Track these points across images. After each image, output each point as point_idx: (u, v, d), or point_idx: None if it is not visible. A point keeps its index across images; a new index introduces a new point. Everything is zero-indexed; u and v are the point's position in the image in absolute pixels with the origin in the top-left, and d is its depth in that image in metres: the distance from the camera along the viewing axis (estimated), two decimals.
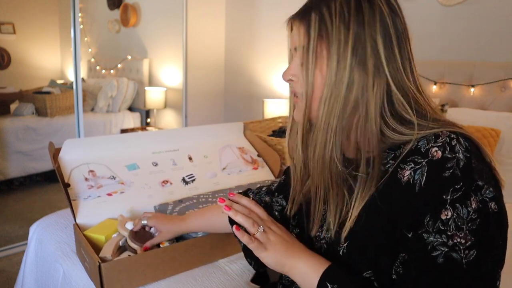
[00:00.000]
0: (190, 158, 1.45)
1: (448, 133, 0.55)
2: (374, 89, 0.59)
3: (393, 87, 0.60)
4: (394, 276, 0.57)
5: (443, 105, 1.79)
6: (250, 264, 0.90)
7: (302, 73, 0.63)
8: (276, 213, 0.85)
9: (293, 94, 0.69)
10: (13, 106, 3.15)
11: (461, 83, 2.04)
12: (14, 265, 2.16)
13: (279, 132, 2.01)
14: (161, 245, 1.03)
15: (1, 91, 3.15)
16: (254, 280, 0.99)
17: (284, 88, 3.02)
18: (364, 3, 0.60)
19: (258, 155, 1.60)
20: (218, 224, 0.96)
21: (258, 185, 1.06)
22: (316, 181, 0.65)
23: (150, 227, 1.03)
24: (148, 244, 0.98)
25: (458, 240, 0.51)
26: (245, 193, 0.95)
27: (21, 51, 3.24)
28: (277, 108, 2.75)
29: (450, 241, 0.52)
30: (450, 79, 2.08)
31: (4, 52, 3.15)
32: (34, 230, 1.30)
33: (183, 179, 1.36)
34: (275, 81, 3.10)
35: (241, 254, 1.11)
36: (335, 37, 0.59)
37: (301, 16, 0.64)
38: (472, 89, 2.00)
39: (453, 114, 1.86)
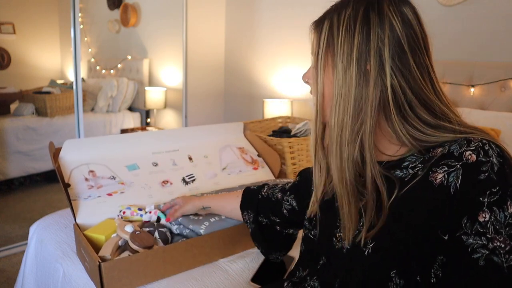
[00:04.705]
0: (190, 158, 1.45)
1: (479, 138, 0.56)
2: (374, 99, 0.61)
3: (408, 94, 0.61)
4: (433, 280, 0.57)
5: None
6: (258, 248, 1.03)
7: (313, 79, 0.68)
8: (285, 211, 0.95)
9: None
10: (13, 106, 3.15)
11: (461, 83, 2.04)
12: (14, 265, 2.16)
13: (279, 132, 1.99)
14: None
15: (1, 91, 3.14)
16: (254, 279, 0.99)
17: (284, 88, 3.02)
18: (373, 15, 0.61)
19: (258, 155, 1.60)
20: (229, 208, 1.10)
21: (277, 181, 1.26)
22: (339, 190, 0.66)
23: (149, 230, 1.06)
24: (171, 216, 1.12)
25: (498, 244, 0.52)
26: (262, 186, 1.05)
27: (21, 51, 3.23)
28: (277, 108, 2.75)
29: (491, 244, 0.52)
30: (450, 79, 2.08)
31: (4, 52, 3.15)
32: (34, 230, 1.30)
33: (183, 179, 1.37)
34: (275, 81, 3.10)
35: (241, 254, 1.12)
36: (340, 47, 0.63)
37: (316, 24, 0.68)
38: (472, 89, 2.00)
39: None
